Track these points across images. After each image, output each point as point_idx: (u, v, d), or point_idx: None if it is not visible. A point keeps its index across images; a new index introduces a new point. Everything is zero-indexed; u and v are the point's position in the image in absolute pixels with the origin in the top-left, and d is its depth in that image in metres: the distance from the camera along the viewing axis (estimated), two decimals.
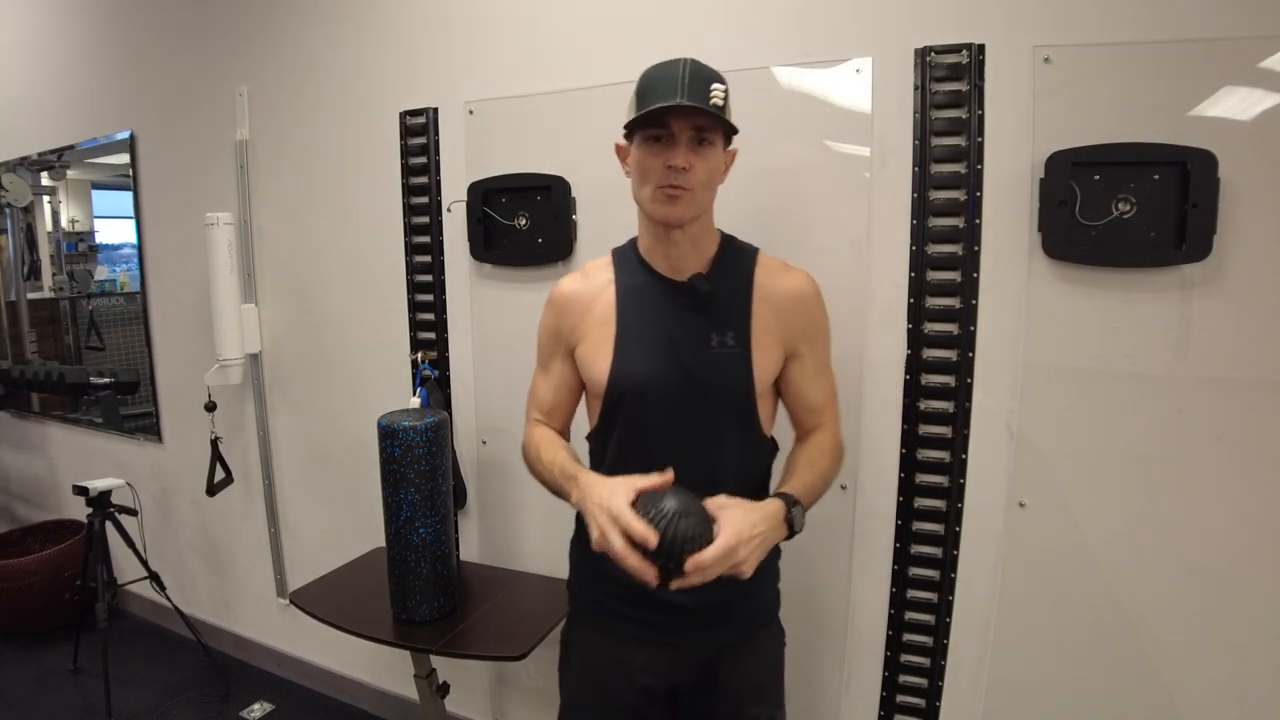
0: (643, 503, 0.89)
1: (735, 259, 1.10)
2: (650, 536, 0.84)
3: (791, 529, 0.97)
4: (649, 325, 1.07)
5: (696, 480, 0.94)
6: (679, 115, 0.97)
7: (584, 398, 1.19)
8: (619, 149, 1.10)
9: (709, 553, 0.84)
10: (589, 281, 1.14)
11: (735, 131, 1.04)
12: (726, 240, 1.12)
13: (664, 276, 1.09)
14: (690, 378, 1.05)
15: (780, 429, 1.16)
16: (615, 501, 0.89)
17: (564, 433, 1.21)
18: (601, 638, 1.16)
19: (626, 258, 1.13)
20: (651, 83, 0.99)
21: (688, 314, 1.07)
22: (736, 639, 1.13)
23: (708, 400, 1.05)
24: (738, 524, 0.88)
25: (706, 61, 1.01)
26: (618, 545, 0.86)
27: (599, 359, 1.09)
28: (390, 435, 1.49)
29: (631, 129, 1.02)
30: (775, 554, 1.18)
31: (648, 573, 0.85)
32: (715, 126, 1.00)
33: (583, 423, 1.20)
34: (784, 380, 1.12)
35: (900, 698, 1.47)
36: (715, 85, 0.98)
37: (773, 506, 0.96)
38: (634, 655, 1.13)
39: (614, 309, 1.10)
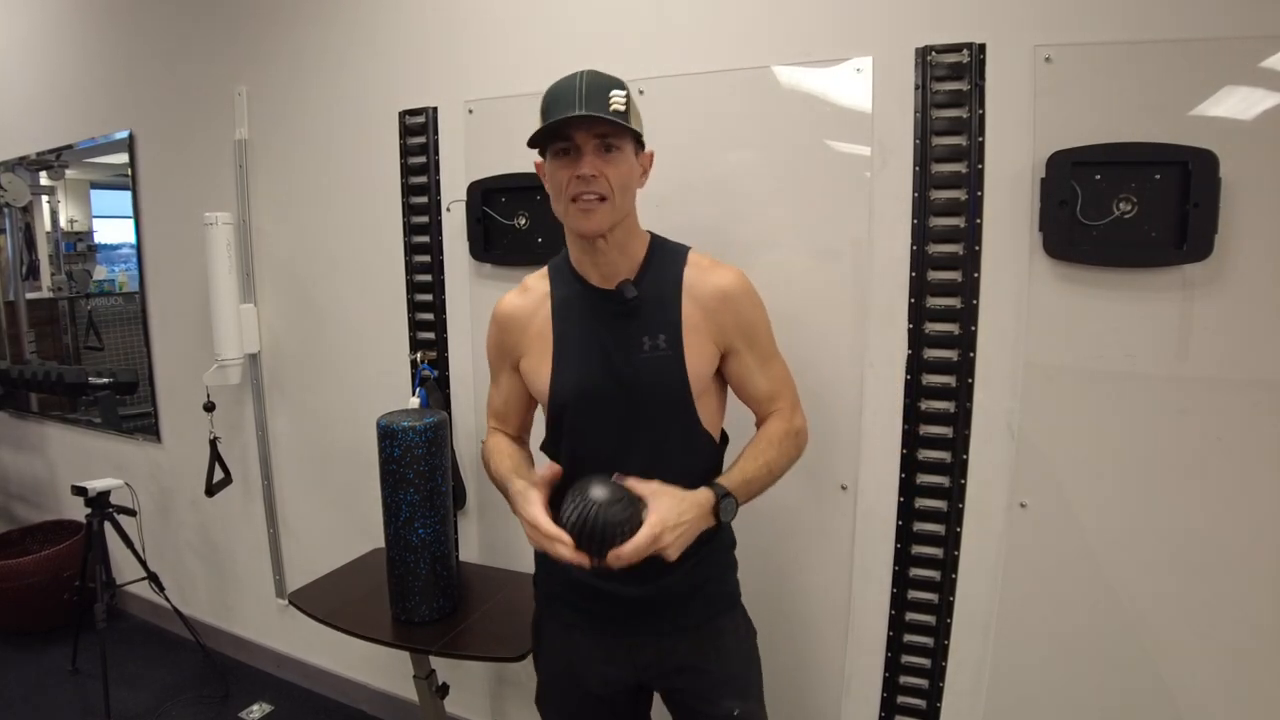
0: (571, 494, 0.96)
1: (665, 261, 1.11)
2: (562, 537, 0.93)
3: (718, 519, 1.01)
4: (582, 336, 1.10)
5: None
6: (579, 126, 0.98)
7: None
8: (538, 166, 1.11)
9: (633, 541, 0.91)
10: (527, 297, 1.16)
11: (639, 134, 1.05)
12: (656, 242, 1.13)
13: (593, 286, 1.10)
14: (624, 384, 1.07)
15: (736, 423, 1.17)
16: (529, 509, 0.98)
17: (521, 435, 1.28)
18: (564, 629, 1.19)
19: (560, 270, 1.15)
20: (552, 99, 1.01)
21: (618, 321, 1.08)
22: (695, 627, 1.14)
23: (645, 403, 1.07)
24: (664, 511, 0.94)
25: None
26: (543, 546, 0.95)
27: (541, 373, 1.12)
28: (389, 435, 1.48)
29: (540, 146, 1.03)
30: (730, 543, 1.20)
31: (581, 559, 0.93)
32: (619, 133, 1.01)
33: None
34: (728, 374, 1.14)
35: (901, 698, 1.47)
36: (614, 92, 1.00)
37: (702, 496, 1.00)
38: (595, 646, 1.16)
39: (550, 323, 1.12)
